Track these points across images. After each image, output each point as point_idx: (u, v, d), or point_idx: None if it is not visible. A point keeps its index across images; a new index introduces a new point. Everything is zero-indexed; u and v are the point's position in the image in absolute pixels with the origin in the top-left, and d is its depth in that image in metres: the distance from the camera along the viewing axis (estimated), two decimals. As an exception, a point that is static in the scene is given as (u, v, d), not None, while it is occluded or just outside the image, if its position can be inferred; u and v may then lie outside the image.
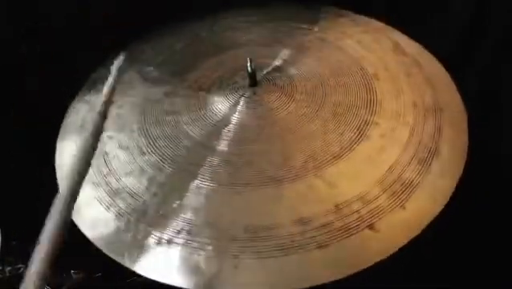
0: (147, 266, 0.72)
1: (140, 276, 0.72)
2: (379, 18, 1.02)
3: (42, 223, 0.98)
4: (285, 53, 0.94)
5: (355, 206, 0.73)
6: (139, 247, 0.73)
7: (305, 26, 1.01)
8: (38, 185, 0.88)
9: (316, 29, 1.00)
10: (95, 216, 0.78)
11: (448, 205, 0.75)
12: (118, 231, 0.75)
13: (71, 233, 0.76)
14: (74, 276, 0.98)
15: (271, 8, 1.07)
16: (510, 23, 1.03)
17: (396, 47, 0.96)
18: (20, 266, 0.97)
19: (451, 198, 0.75)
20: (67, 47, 1.08)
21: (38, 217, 1.04)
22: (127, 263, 0.73)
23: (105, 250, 0.75)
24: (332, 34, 0.98)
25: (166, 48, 0.99)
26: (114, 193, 0.78)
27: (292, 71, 0.90)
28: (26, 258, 0.96)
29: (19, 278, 0.94)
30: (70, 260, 0.99)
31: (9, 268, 0.97)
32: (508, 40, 1.04)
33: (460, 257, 1.04)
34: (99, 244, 0.75)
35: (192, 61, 0.95)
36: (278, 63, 0.92)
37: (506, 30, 1.04)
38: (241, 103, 0.85)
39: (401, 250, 0.71)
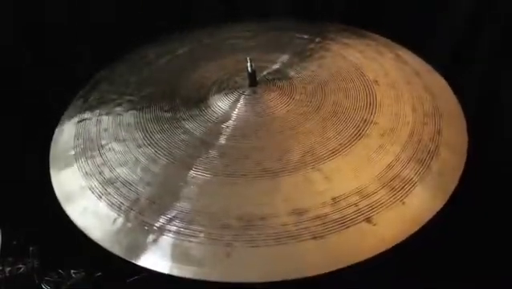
0: (138, 253, 0.70)
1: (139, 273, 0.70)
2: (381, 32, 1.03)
3: (42, 223, 0.97)
4: (285, 58, 0.94)
5: (353, 200, 0.71)
6: (130, 235, 0.72)
7: (306, 36, 1.01)
8: (38, 185, 0.86)
9: (318, 39, 1.00)
10: (86, 205, 0.76)
11: (447, 206, 0.73)
12: (109, 219, 0.74)
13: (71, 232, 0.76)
14: (74, 276, 0.96)
15: (273, 20, 1.09)
16: (509, 26, 1.04)
17: (397, 58, 0.96)
18: (20, 266, 0.95)
19: (451, 198, 0.74)
20: (66, 49, 1.08)
21: (38, 217, 1.03)
22: (117, 251, 0.71)
23: (95, 239, 0.73)
24: (334, 45, 0.98)
25: (168, 52, 0.99)
26: (107, 183, 0.77)
27: (292, 73, 0.90)
28: (26, 258, 0.95)
29: (19, 278, 0.93)
30: (70, 260, 0.98)
31: (9, 268, 0.95)
32: (507, 44, 1.04)
33: (459, 257, 1.02)
34: (89, 233, 0.74)
35: (193, 64, 0.95)
36: (277, 66, 0.92)
37: (505, 34, 1.05)
38: (241, 100, 0.84)
39: (401, 249, 0.69)
